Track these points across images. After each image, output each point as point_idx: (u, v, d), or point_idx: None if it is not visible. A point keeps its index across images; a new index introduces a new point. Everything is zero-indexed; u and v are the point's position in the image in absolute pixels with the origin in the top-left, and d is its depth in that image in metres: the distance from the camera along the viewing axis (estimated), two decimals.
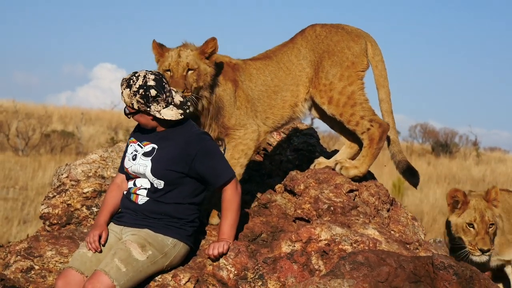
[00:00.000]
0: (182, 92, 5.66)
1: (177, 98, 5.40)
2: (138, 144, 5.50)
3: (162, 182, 5.33)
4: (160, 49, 5.94)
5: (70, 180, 6.45)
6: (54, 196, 6.42)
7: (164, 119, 5.33)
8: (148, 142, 5.46)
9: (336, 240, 5.58)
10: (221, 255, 5.38)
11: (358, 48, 6.48)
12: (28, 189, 22.03)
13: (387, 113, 6.67)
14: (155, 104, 5.26)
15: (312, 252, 5.53)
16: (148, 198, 5.37)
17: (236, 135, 6.12)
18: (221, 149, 6.30)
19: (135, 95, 5.23)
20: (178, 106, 5.37)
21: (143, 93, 5.22)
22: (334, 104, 6.35)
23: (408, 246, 6.03)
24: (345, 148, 6.73)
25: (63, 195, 6.39)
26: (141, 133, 5.54)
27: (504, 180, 28.67)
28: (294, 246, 5.55)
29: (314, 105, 6.53)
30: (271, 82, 6.36)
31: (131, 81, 5.26)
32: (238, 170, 6.13)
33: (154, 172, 5.34)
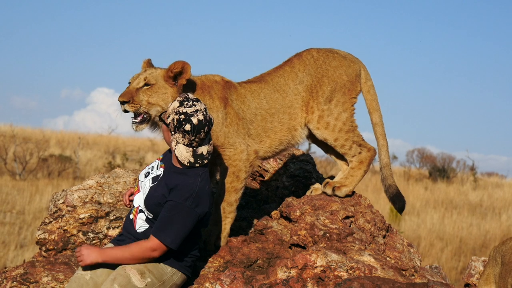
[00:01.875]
0: (127, 103, 5.68)
1: (202, 149, 5.30)
2: (159, 163, 5.52)
3: (151, 215, 5.31)
4: (146, 65, 5.98)
5: (67, 206, 6.45)
6: (50, 222, 6.42)
7: (175, 152, 5.33)
8: (163, 166, 5.46)
9: (332, 266, 5.58)
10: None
11: (354, 74, 6.55)
12: (25, 214, 21.99)
13: (382, 136, 6.76)
14: (180, 135, 5.21)
15: (308, 279, 5.53)
16: (147, 226, 5.33)
17: (226, 155, 6.09)
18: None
19: (176, 114, 5.21)
20: (195, 155, 5.28)
21: (181, 119, 5.19)
22: (330, 129, 6.40)
23: (403, 272, 6.03)
24: (341, 173, 6.75)
25: (60, 220, 6.39)
26: (168, 155, 5.53)
27: (502, 205, 28.68)
28: (290, 273, 5.54)
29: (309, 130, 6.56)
30: (266, 105, 6.34)
31: (185, 102, 5.24)
32: (234, 196, 6.12)
33: (146, 202, 5.32)
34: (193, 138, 5.21)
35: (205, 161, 5.33)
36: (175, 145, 5.27)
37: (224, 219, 6.12)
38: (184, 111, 5.20)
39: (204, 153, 5.31)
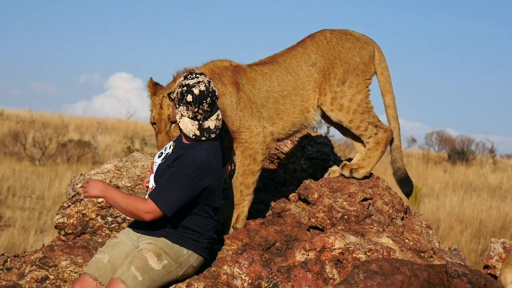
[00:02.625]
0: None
1: (209, 123, 5.30)
2: (172, 143, 5.53)
3: None
4: (153, 88, 5.93)
5: None
6: (69, 206, 6.45)
7: (179, 125, 5.34)
8: (174, 145, 5.48)
9: (350, 248, 5.57)
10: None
11: (367, 55, 6.52)
12: (45, 199, 22.12)
13: (394, 118, 6.74)
14: (184, 107, 5.24)
15: (326, 261, 5.52)
16: None
17: (242, 139, 6.09)
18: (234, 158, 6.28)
19: (179, 87, 5.25)
20: (201, 128, 5.29)
21: (183, 91, 5.22)
22: (345, 111, 6.38)
23: (422, 254, 6.01)
24: (358, 155, 6.73)
25: (78, 205, 6.42)
26: (180, 135, 5.51)
27: None
28: (308, 255, 5.54)
29: (322, 112, 6.54)
30: (278, 87, 6.34)
31: (189, 76, 5.27)
32: (251, 178, 6.12)
33: (155, 179, 5.37)
34: (196, 109, 5.21)
35: (213, 135, 5.32)
36: (179, 118, 5.28)
37: (242, 202, 6.12)
38: (187, 83, 5.23)
39: (212, 127, 5.31)
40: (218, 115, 5.35)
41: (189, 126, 5.27)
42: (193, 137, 5.28)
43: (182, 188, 5.15)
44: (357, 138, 6.69)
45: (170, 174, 5.19)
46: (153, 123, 5.87)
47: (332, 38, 6.52)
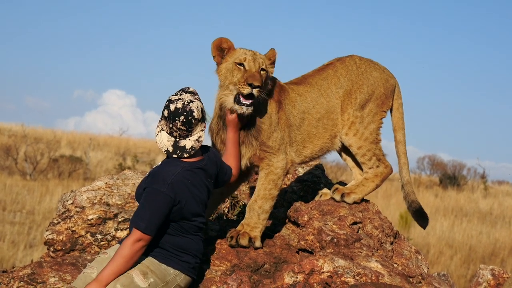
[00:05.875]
0: (259, 88, 5.67)
1: (185, 143, 5.31)
2: None
3: None
4: (230, 43, 5.91)
5: (75, 207, 6.47)
6: (58, 222, 6.44)
7: (156, 138, 5.36)
8: None
9: (339, 272, 5.57)
10: None
11: (390, 88, 6.61)
12: (35, 214, 22.04)
13: (404, 154, 6.78)
14: (164, 122, 5.29)
15: (315, 284, 5.52)
16: None
17: (270, 161, 6.07)
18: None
19: (167, 101, 5.30)
20: (175, 146, 5.31)
21: (164, 106, 5.29)
22: (358, 137, 6.40)
23: (410, 279, 6.01)
24: (354, 182, 6.73)
25: (68, 221, 6.41)
26: None
27: None
28: (297, 278, 5.54)
29: None
30: (313, 109, 6.35)
31: (178, 91, 5.34)
32: (270, 203, 6.12)
33: (136, 192, 5.43)
34: (170, 125, 5.25)
35: (186, 154, 5.30)
36: (159, 131, 5.34)
37: (258, 226, 6.11)
38: (170, 98, 5.30)
39: (187, 147, 5.30)
40: (199, 137, 5.33)
41: (164, 141, 5.31)
42: (165, 152, 5.32)
43: (156, 205, 5.15)
44: (357, 164, 6.70)
45: (144, 195, 5.20)
46: (239, 63, 5.81)
47: (361, 64, 6.57)
